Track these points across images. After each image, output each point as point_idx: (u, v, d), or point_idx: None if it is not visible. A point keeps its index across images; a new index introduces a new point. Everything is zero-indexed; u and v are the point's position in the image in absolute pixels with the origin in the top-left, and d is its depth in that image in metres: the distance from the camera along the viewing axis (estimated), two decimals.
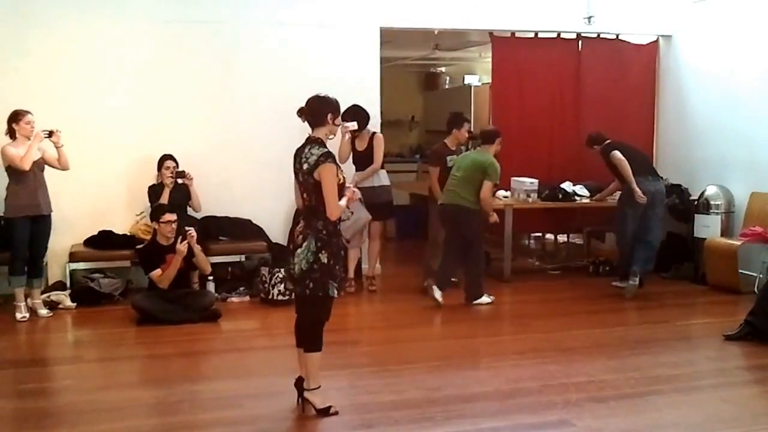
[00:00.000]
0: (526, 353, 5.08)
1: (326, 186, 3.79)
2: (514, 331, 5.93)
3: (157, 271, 5.78)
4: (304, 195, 3.92)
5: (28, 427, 3.91)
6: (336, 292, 3.89)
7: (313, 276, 3.81)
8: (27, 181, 5.74)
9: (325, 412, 3.91)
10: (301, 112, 3.99)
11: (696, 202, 7.32)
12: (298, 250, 3.85)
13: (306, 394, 3.94)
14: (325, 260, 3.81)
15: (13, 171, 5.72)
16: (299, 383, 3.99)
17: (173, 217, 5.85)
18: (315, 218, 3.85)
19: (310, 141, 3.92)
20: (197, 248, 5.86)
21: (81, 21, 6.62)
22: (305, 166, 3.85)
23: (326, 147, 3.89)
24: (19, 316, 5.80)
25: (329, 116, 3.92)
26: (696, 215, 7.25)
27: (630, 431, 3.82)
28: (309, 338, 3.92)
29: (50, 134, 5.76)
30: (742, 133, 7.18)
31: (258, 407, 3.96)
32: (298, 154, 3.92)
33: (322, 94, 3.98)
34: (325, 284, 3.83)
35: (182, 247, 5.72)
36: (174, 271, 5.75)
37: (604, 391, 4.34)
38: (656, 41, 8.20)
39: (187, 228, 5.81)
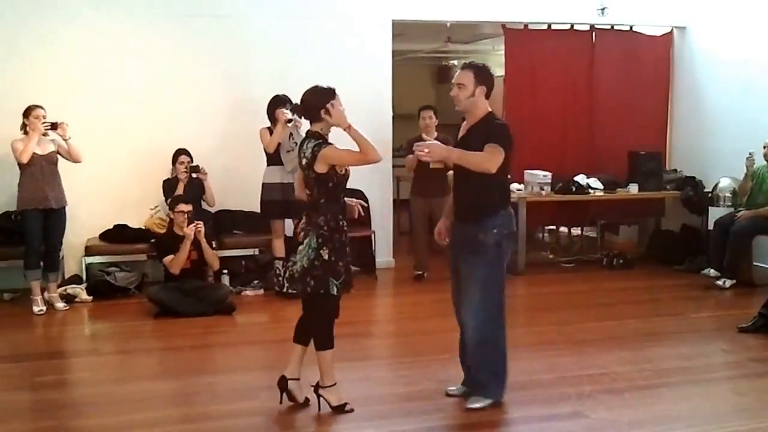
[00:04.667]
0: (540, 345, 5.09)
1: (346, 158, 3.72)
2: (527, 324, 5.92)
3: (169, 257, 5.85)
4: (307, 190, 3.85)
5: (46, 418, 3.97)
6: (336, 289, 3.76)
7: (314, 273, 3.73)
8: (35, 174, 5.78)
9: (340, 409, 3.87)
10: (296, 110, 3.89)
11: (710, 195, 7.28)
12: (300, 247, 3.79)
13: (321, 392, 3.89)
14: (327, 257, 3.73)
15: (21, 164, 5.78)
16: (283, 382, 3.91)
17: (187, 207, 5.90)
18: (316, 213, 3.77)
19: (308, 135, 3.83)
20: (204, 242, 5.88)
21: (96, 15, 6.67)
22: (304, 161, 3.78)
23: (322, 138, 3.76)
24: (36, 309, 5.87)
25: (323, 112, 3.75)
26: (710, 207, 7.21)
27: (643, 423, 3.82)
28: (319, 337, 3.85)
29: (53, 126, 5.76)
30: (757, 124, 7.11)
31: (273, 398, 3.98)
32: (300, 149, 3.86)
33: (317, 87, 3.81)
34: (325, 282, 3.74)
35: (188, 230, 5.76)
36: (183, 256, 5.79)
37: (617, 383, 4.35)
38: (670, 32, 8.14)
39: (196, 222, 5.84)
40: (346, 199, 3.94)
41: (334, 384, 3.89)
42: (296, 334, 3.97)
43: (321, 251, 3.73)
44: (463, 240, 3.94)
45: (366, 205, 4.19)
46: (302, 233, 3.82)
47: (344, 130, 3.75)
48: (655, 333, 5.41)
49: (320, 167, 3.72)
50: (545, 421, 3.87)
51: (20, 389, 4.46)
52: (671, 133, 8.20)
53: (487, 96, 3.91)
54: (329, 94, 3.79)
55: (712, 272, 6.75)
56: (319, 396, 3.91)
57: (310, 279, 3.75)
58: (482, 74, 3.89)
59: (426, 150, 3.79)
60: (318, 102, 3.77)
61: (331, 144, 3.76)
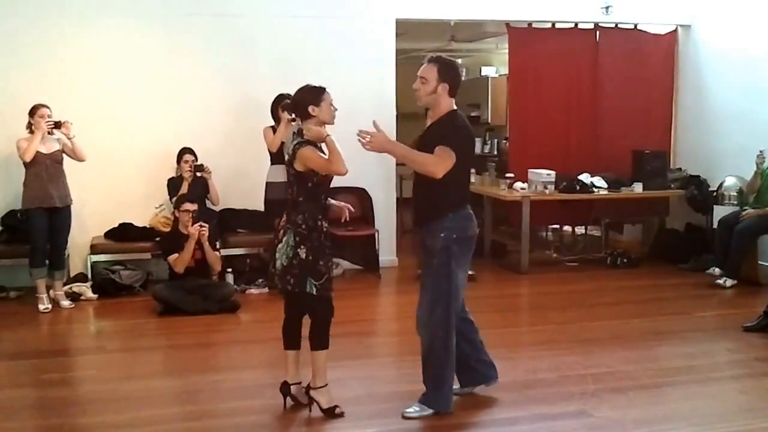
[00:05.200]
0: (544, 344, 5.09)
1: (315, 163, 3.64)
2: (531, 323, 5.93)
3: (174, 255, 5.87)
4: (289, 188, 3.83)
5: (53, 415, 3.98)
6: (315, 290, 3.70)
7: (293, 272, 3.70)
8: (39, 173, 5.80)
9: (330, 412, 3.81)
10: (286, 108, 3.85)
11: (715, 193, 7.27)
12: (279, 245, 3.76)
13: (312, 393, 3.83)
14: (304, 256, 3.68)
15: (26, 163, 5.80)
16: (285, 387, 3.90)
17: (192, 207, 5.92)
18: (295, 212, 3.73)
19: (297, 133, 3.81)
20: (207, 245, 5.89)
21: (101, 15, 6.69)
22: (287, 157, 3.78)
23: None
24: (41, 307, 5.89)
25: (311, 108, 3.72)
26: (715, 206, 7.20)
27: (647, 422, 3.82)
28: (315, 336, 3.80)
29: (57, 125, 5.78)
30: (762, 123, 7.10)
31: (277, 396, 3.98)
32: (289, 146, 3.84)
33: (307, 86, 3.79)
34: (303, 281, 3.69)
35: (193, 229, 5.77)
36: (188, 255, 5.81)
37: (621, 381, 4.34)
38: (675, 31, 8.13)
39: (201, 223, 5.85)
40: (333, 201, 3.91)
41: (326, 385, 3.84)
42: (285, 341, 3.94)
43: (298, 250, 3.69)
44: (420, 245, 3.84)
45: (353, 209, 4.14)
46: (281, 231, 3.79)
47: (323, 140, 3.73)
48: (660, 332, 5.41)
49: (298, 166, 3.71)
50: (549, 419, 3.86)
51: (26, 386, 4.48)
52: (676, 131, 8.19)
53: (452, 94, 3.70)
54: (319, 92, 3.76)
55: (717, 271, 6.74)
56: (310, 397, 3.85)
57: (290, 277, 3.72)
58: (447, 71, 3.68)
59: (367, 138, 3.60)
60: (307, 100, 3.75)
61: (308, 146, 3.70)
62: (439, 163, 3.57)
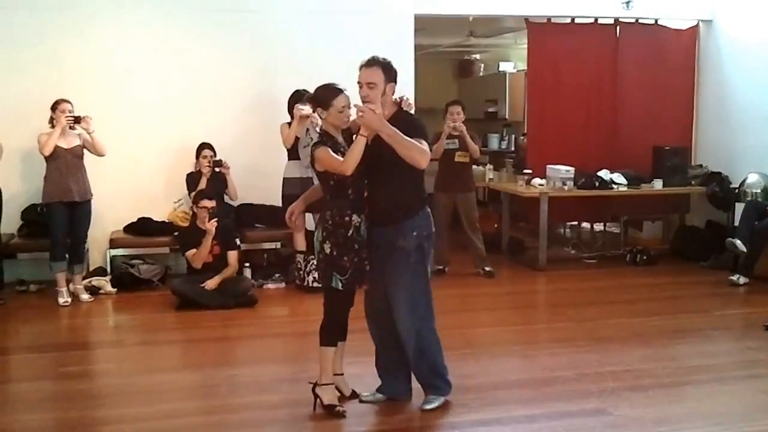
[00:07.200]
0: (562, 342, 5.05)
1: (327, 163, 3.59)
2: (549, 320, 5.90)
3: (192, 251, 5.90)
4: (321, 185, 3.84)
5: (71, 408, 4.01)
6: (341, 284, 3.68)
7: (320, 266, 3.76)
8: (59, 167, 5.85)
9: (330, 409, 3.78)
10: (308, 101, 3.82)
11: (736, 190, 7.18)
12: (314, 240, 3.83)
13: (317, 389, 3.82)
14: (329, 251, 3.69)
15: (47, 158, 5.85)
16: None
17: (210, 204, 5.94)
18: (325, 208, 3.77)
19: (319, 131, 3.81)
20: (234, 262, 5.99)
21: (120, 12, 6.74)
22: (309, 158, 3.77)
23: (326, 136, 3.70)
24: (61, 300, 5.94)
25: (319, 110, 3.73)
26: (736, 203, 7.11)
27: (667, 420, 3.78)
28: (322, 331, 3.80)
29: (77, 120, 5.81)
30: None
31: (295, 391, 4.00)
32: None
33: (325, 85, 3.73)
34: (328, 276, 3.69)
35: (210, 225, 5.80)
36: (205, 251, 5.84)
37: (641, 380, 4.30)
38: (696, 26, 8.05)
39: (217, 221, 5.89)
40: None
41: (331, 384, 3.83)
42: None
43: (324, 245, 3.71)
44: (382, 246, 3.73)
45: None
46: (315, 226, 3.84)
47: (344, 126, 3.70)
48: (680, 330, 5.35)
49: (318, 166, 3.70)
50: (568, 417, 3.83)
51: (45, 379, 4.52)
52: (697, 127, 8.11)
53: (394, 92, 3.70)
54: (330, 96, 3.67)
55: (739, 243, 6.45)
56: (315, 395, 3.84)
57: (318, 272, 3.78)
58: (391, 70, 3.68)
59: (361, 114, 3.48)
60: (318, 101, 3.72)
61: (322, 145, 3.65)
62: (426, 152, 3.55)
